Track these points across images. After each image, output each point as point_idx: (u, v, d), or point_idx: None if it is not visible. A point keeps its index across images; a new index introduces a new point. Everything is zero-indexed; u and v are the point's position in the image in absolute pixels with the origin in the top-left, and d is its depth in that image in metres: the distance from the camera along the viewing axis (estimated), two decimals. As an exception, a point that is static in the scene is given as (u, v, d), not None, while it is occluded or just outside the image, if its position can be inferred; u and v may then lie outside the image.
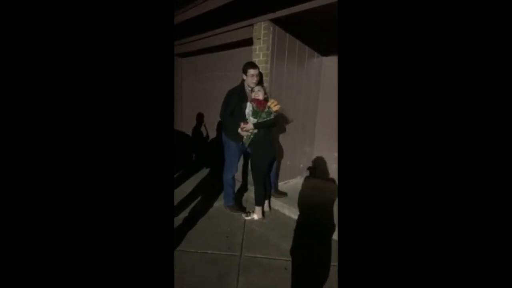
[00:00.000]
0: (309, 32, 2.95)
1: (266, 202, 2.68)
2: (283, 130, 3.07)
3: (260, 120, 2.31)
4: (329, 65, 3.24)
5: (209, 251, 2.02)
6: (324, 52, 3.24)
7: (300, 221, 2.51)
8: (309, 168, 3.51)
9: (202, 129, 4.19)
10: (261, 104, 2.30)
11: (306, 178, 3.43)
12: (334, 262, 1.93)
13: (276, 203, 2.79)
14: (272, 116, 2.32)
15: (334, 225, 2.31)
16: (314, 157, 3.52)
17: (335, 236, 2.27)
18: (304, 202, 2.74)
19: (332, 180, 3.34)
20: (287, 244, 2.15)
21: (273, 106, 2.30)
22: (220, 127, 3.57)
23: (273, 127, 2.47)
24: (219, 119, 2.67)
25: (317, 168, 3.47)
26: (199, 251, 2.01)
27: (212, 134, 4.02)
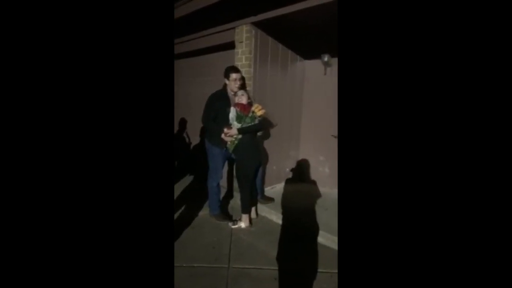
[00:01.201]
0: (291, 35, 2.94)
1: (253, 209, 2.61)
2: (268, 134, 3.03)
3: (245, 125, 2.25)
4: (312, 68, 3.25)
5: (195, 264, 1.92)
6: (307, 55, 3.25)
7: (287, 227, 2.46)
8: (292, 171, 3.48)
9: (185, 135, 4.07)
10: (245, 109, 2.24)
11: (292, 182, 3.40)
12: (321, 267, 1.89)
13: (263, 209, 2.73)
14: (256, 121, 2.27)
15: (318, 228, 2.29)
16: (300, 161, 3.50)
17: (320, 239, 2.24)
18: (292, 207, 2.69)
19: (314, 182, 3.34)
20: (276, 252, 2.08)
21: (258, 110, 2.25)
22: (203, 133, 3.47)
23: (258, 132, 2.41)
24: (201, 124, 2.60)
25: (303, 171, 3.45)
26: (184, 265, 1.90)
27: (195, 140, 3.91)
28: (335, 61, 2.97)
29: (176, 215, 2.67)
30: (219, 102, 2.38)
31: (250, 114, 2.24)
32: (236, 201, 2.95)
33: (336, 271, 1.85)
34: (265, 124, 2.58)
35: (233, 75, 2.35)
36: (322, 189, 3.19)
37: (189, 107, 3.96)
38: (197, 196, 3.09)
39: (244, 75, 2.65)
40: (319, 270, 1.88)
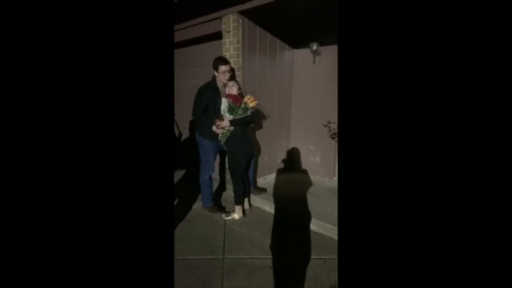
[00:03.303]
0: (279, 24, 2.90)
1: (246, 200, 2.62)
2: (259, 125, 3.02)
3: (237, 117, 2.23)
4: (301, 57, 3.23)
5: (190, 257, 1.93)
6: (295, 44, 3.22)
7: (280, 216, 2.49)
8: (284, 161, 3.50)
9: (174, 128, 4.01)
10: (237, 100, 2.21)
11: (284, 172, 3.42)
12: (314, 254, 1.94)
13: (256, 200, 2.75)
14: (248, 113, 2.25)
15: (310, 216, 2.33)
16: (291, 150, 3.52)
17: (312, 226, 2.29)
18: (284, 197, 2.72)
19: (305, 171, 3.38)
20: (270, 241, 2.11)
21: (250, 102, 2.23)
22: (192, 125, 3.43)
23: (249, 124, 2.40)
24: (191, 117, 2.56)
25: (294, 161, 3.47)
26: (179, 258, 1.91)
27: (185, 133, 3.86)
28: (323, 49, 2.96)
29: (169, 209, 2.65)
30: (209, 93, 2.34)
31: (243, 106, 2.22)
32: (228, 193, 2.96)
33: (329, 257, 1.90)
34: (257, 116, 2.57)
35: (222, 68, 2.31)
36: (313, 177, 3.23)
37: (178, 99, 3.89)
38: (189, 189, 3.08)
39: (232, 65, 2.60)
40: (313, 256, 1.92)
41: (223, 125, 2.25)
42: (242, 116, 2.23)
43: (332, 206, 2.46)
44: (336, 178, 3.17)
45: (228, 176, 2.67)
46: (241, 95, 2.29)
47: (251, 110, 2.26)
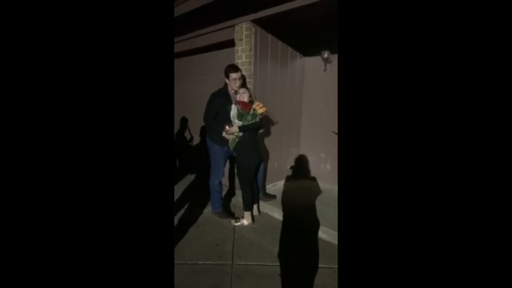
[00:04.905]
0: (291, 32, 2.93)
1: (255, 206, 2.63)
2: (269, 132, 3.04)
3: (246, 123, 2.26)
4: (312, 65, 3.25)
5: (199, 262, 1.94)
6: (307, 52, 3.25)
7: (289, 224, 2.47)
8: (294, 168, 3.49)
9: (186, 133, 4.07)
10: (246, 107, 2.24)
11: (294, 179, 3.41)
12: (324, 263, 1.92)
13: (266, 206, 2.74)
14: (257, 119, 2.28)
15: (319, 224, 2.31)
16: (300, 157, 3.51)
17: (322, 235, 2.27)
18: (293, 204, 2.71)
19: (315, 179, 3.37)
20: (279, 249, 2.10)
21: (259, 108, 2.26)
22: (203, 131, 3.48)
23: (258, 130, 2.42)
24: (202, 123, 2.60)
25: (304, 168, 3.46)
26: (188, 263, 1.92)
27: (196, 139, 3.92)
28: (335, 57, 2.97)
29: (179, 214, 2.69)
30: (220, 100, 2.38)
31: (251, 112, 2.25)
32: (238, 199, 2.97)
33: (339, 266, 1.87)
34: (266, 122, 2.59)
35: (233, 75, 2.35)
36: (323, 185, 3.21)
37: (190, 106, 3.96)
38: (199, 194, 3.11)
39: (244, 72, 2.65)
40: (322, 265, 1.90)
41: (232, 131, 2.29)
42: (250, 122, 2.26)
43: (342, 215, 2.43)
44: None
45: (237, 181, 2.68)
46: (251, 102, 2.32)
47: (260, 116, 2.28)
